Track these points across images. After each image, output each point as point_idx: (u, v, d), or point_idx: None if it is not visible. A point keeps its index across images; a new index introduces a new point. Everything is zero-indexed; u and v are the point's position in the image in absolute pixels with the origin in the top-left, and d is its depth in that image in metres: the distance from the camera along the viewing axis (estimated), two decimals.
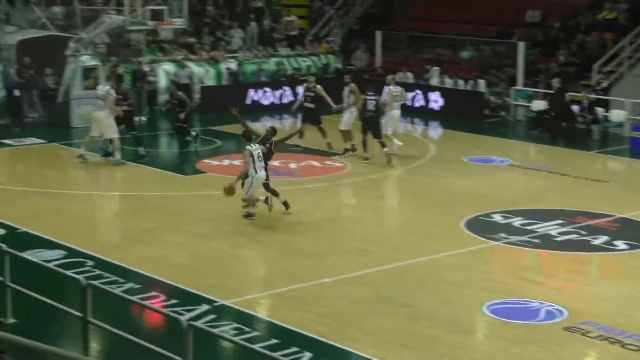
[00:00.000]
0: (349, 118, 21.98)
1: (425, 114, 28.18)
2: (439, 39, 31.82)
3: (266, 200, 16.30)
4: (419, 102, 28.74)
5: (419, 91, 28.73)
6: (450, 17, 32.61)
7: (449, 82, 29.26)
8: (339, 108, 22.13)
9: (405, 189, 19.24)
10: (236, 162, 20.31)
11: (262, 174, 16.02)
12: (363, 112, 21.19)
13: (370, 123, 21.08)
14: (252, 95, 28.74)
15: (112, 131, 20.46)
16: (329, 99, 22.39)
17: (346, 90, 22.06)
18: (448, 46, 31.63)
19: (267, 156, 16.41)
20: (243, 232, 15.58)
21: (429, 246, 15.03)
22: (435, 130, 26.70)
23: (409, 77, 29.91)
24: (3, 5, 28.53)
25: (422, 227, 16.22)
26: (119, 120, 20.79)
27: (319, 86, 22.60)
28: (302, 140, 21.98)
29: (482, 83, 28.49)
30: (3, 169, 20.35)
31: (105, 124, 20.36)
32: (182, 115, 22.16)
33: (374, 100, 21.21)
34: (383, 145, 21.07)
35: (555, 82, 25.49)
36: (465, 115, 27.35)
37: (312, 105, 22.41)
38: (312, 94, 22.45)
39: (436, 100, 28.51)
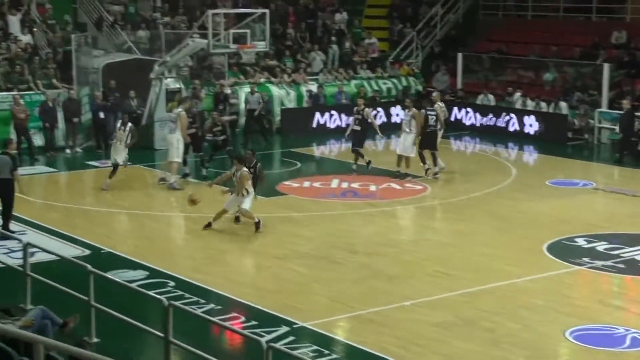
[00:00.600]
0: (410, 143, 21.54)
1: (505, 136, 27.91)
2: (521, 61, 31.52)
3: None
4: (513, 126, 28.36)
5: (512, 115, 28.39)
6: (533, 38, 32.30)
7: (530, 104, 28.91)
8: (382, 137, 22.73)
9: (487, 212, 19.04)
10: (316, 184, 20.41)
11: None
12: (425, 127, 21.37)
13: (431, 137, 21.40)
14: (330, 117, 28.83)
15: (174, 155, 20.72)
16: (376, 125, 22.65)
17: (407, 114, 21.79)
18: (530, 68, 31.30)
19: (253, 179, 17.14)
20: (322, 254, 15.60)
21: (510, 270, 14.84)
22: (518, 153, 26.38)
23: (490, 100, 29.67)
24: (90, 29, 29.23)
25: (503, 251, 16.03)
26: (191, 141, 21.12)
27: (367, 109, 22.56)
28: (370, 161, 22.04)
29: (564, 105, 28.10)
30: (88, 190, 20.77)
31: (173, 146, 20.65)
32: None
33: (434, 115, 21.47)
34: (435, 159, 21.42)
35: (626, 104, 25.12)
36: (548, 137, 27.01)
37: (358, 128, 22.21)
38: (360, 117, 22.26)
39: (531, 124, 28.02)
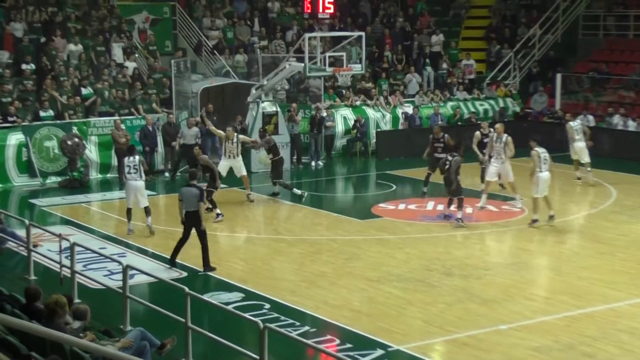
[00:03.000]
0: (500, 169, 20.75)
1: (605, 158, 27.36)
2: (622, 81, 30.88)
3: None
4: None
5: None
6: (635, 58, 31.60)
7: (632, 125, 28.27)
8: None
9: (587, 234, 18.67)
10: (412, 207, 20.33)
11: None
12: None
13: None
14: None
15: (242, 170, 21.72)
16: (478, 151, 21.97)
17: (498, 140, 20.59)
18: (631, 88, 30.62)
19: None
20: (417, 276, 15.51)
21: (611, 294, 14.51)
22: (618, 175, 25.76)
23: (590, 120, 29.09)
24: (190, 55, 29.83)
25: (603, 274, 15.67)
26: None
27: (447, 135, 22.06)
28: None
29: None
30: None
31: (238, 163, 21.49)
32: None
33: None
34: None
35: None
36: None
37: (442, 156, 20.60)
38: (442, 144, 21.71)
39: None
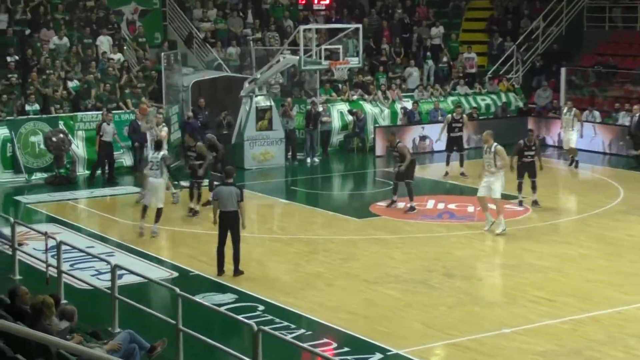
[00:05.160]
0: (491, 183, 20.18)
1: (611, 155, 27.38)
2: (630, 75, 30.88)
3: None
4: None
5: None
6: None
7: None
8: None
9: (593, 234, 18.66)
10: (414, 204, 20.28)
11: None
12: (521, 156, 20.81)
13: (531, 166, 20.77)
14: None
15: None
16: (470, 130, 24.27)
17: (487, 150, 19.57)
18: (639, 82, 30.62)
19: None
20: (417, 278, 15.49)
21: (618, 297, 14.50)
22: (626, 173, 25.79)
23: (596, 117, 29.10)
24: (180, 47, 29.78)
25: (609, 276, 15.66)
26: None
27: (465, 115, 25.31)
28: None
29: None
30: (177, 210, 21.01)
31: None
32: (200, 171, 19.99)
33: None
34: (534, 187, 20.80)
35: None
36: None
37: (460, 134, 24.60)
38: (460, 125, 24.53)
39: None
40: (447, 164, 24.53)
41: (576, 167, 25.36)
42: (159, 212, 18.05)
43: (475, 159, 23.86)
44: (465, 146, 25.40)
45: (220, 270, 15.57)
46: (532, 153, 20.88)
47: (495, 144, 18.73)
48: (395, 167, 20.62)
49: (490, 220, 18.61)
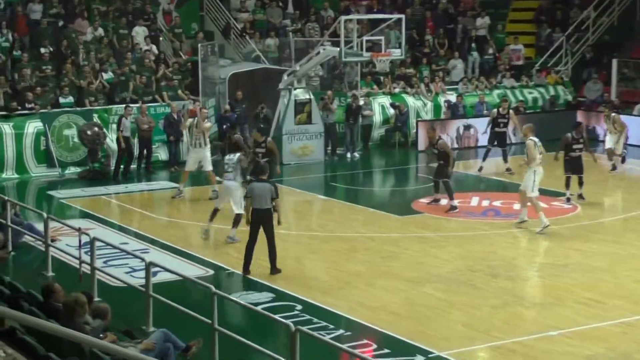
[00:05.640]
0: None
1: None
2: None
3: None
4: None
5: None
6: None
7: None
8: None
9: None
10: (455, 202, 20.20)
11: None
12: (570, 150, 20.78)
13: (578, 161, 20.74)
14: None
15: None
16: (518, 126, 24.01)
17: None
18: None
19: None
20: (460, 277, 15.43)
21: None
22: None
23: None
24: (218, 38, 29.87)
25: None
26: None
27: (512, 110, 24.99)
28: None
29: None
30: (213, 206, 21.07)
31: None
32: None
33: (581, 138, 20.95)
34: (581, 183, 20.81)
35: None
36: None
37: (504, 130, 24.48)
38: (505, 120, 24.30)
39: None
40: (484, 159, 24.42)
41: (613, 169, 24.17)
42: (237, 218, 17.46)
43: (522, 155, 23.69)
44: (514, 141, 25.34)
45: (247, 270, 15.54)
46: (580, 147, 20.72)
47: (529, 138, 18.70)
48: (430, 163, 20.65)
49: (521, 216, 18.57)
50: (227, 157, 18.20)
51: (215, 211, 17.91)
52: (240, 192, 17.51)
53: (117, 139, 24.10)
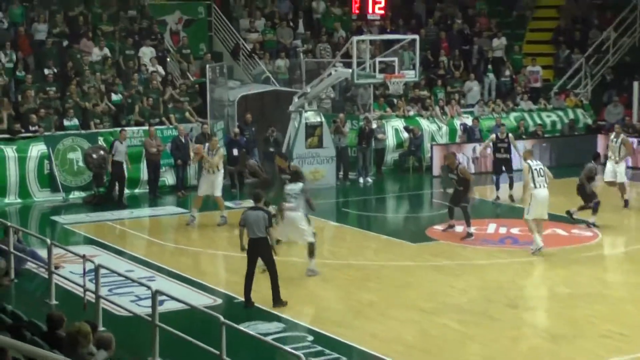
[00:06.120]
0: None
1: None
2: None
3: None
4: None
5: None
6: None
7: None
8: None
9: None
10: (471, 229, 20.15)
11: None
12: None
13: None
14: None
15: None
16: (519, 150, 23.67)
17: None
18: None
19: None
20: (477, 308, 15.35)
21: None
22: None
23: None
24: (226, 59, 29.97)
25: None
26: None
27: (511, 134, 24.55)
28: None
29: None
30: (221, 233, 21.09)
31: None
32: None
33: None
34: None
35: None
36: None
37: (506, 156, 24.02)
38: (505, 145, 23.97)
39: None
40: (497, 187, 24.20)
41: (626, 205, 22.81)
42: (310, 247, 17.26)
43: None
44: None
45: (248, 302, 15.40)
46: (601, 176, 20.90)
47: (526, 162, 19.13)
48: (448, 189, 20.70)
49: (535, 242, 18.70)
50: (288, 186, 17.59)
51: (278, 242, 17.05)
52: (305, 222, 17.34)
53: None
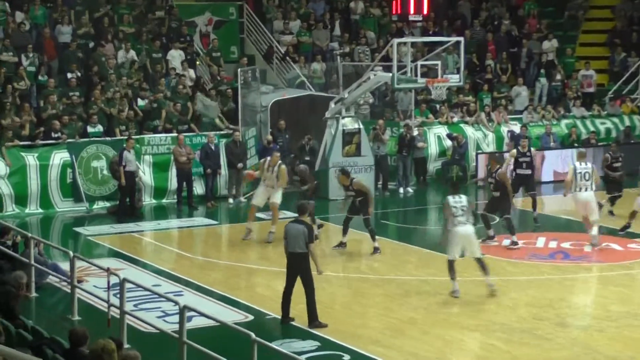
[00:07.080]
0: None
1: None
2: None
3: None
4: None
5: None
6: None
7: None
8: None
9: None
10: (515, 238, 20.09)
11: None
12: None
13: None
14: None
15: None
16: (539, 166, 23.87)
17: None
18: None
19: None
20: (524, 326, 15.29)
21: None
22: None
23: None
24: (259, 62, 30.05)
25: None
26: None
27: (533, 149, 24.05)
28: None
29: None
30: (253, 245, 21.13)
31: None
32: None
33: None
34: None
35: None
36: None
37: (528, 172, 22.95)
38: (528, 159, 22.98)
39: None
40: (534, 209, 22.82)
41: (622, 230, 21.47)
42: (480, 262, 17.08)
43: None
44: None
45: (285, 319, 15.42)
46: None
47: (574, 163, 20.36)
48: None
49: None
50: (453, 199, 17.12)
51: (451, 264, 16.99)
52: (475, 235, 17.22)
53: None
